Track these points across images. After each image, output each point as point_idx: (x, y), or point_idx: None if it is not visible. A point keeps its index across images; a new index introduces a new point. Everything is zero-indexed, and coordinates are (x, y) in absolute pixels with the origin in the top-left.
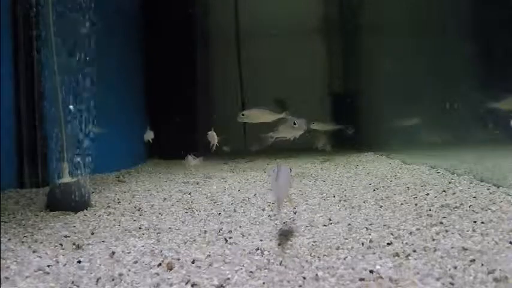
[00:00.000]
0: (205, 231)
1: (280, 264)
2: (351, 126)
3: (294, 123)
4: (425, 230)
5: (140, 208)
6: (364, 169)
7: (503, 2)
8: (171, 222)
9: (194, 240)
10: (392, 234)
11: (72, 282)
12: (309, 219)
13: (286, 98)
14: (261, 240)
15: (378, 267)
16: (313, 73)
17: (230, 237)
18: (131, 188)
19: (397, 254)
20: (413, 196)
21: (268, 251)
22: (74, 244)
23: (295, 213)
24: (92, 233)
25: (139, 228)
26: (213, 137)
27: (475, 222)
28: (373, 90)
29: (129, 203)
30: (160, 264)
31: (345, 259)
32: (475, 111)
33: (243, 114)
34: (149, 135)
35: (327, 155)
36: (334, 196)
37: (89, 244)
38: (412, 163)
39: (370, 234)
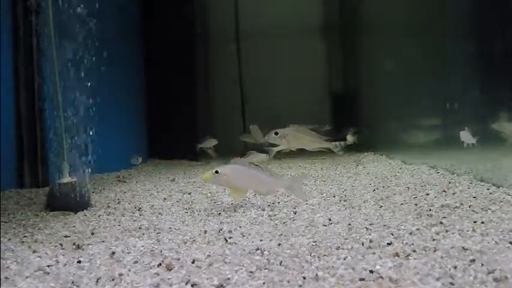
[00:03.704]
0: (205, 231)
1: (280, 264)
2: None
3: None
4: (425, 230)
5: (140, 208)
6: (364, 169)
7: (503, 2)
8: (171, 222)
9: (194, 240)
10: (392, 234)
11: (72, 282)
12: (309, 219)
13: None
14: (261, 240)
15: (378, 267)
16: (313, 73)
17: (230, 237)
18: (131, 188)
19: (397, 254)
20: (413, 196)
21: (268, 251)
22: (74, 244)
23: (295, 213)
24: (92, 233)
25: (139, 228)
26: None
27: (475, 222)
28: (374, 90)
29: (129, 203)
30: (160, 264)
31: (345, 259)
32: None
33: (276, 133)
34: (210, 143)
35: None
36: (334, 196)
37: (89, 244)
38: (412, 163)
39: (370, 234)
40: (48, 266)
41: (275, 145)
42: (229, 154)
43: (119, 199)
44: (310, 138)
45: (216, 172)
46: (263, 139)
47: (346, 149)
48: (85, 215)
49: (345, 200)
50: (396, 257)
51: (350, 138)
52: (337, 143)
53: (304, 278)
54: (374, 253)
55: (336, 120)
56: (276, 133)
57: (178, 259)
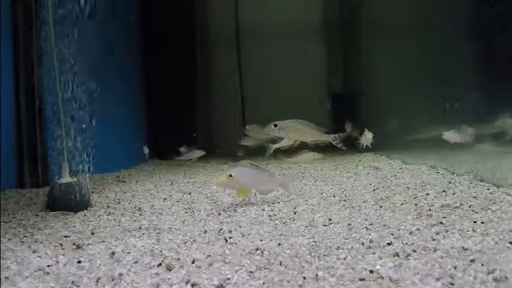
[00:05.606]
0: (205, 231)
1: (280, 264)
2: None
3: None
4: (425, 230)
5: (140, 208)
6: (364, 169)
7: (503, 1)
8: (171, 222)
9: (194, 240)
10: (392, 234)
11: (72, 282)
12: (309, 219)
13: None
14: (261, 240)
15: (378, 267)
16: (313, 73)
17: (230, 237)
18: (131, 188)
19: (397, 254)
20: (413, 196)
21: (268, 251)
22: (74, 244)
23: (295, 213)
24: (92, 233)
25: (139, 228)
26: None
27: (475, 222)
28: (373, 90)
29: (129, 203)
30: (160, 264)
31: (345, 259)
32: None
33: (275, 125)
34: (194, 154)
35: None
36: (334, 196)
37: (89, 244)
38: (412, 163)
39: (370, 234)
40: (48, 266)
41: (274, 142)
42: (230, 155)
43: (119, 199)
44: (309, 130)
45: (230, 176)
46: (264, 136)
47: (369, 146)
48: (85, 215)
49: (344, 200)
50: (396, 257)
51: (369, 136)
52: (336, 135)
53: (304, 278)
54: (374, 253)
55: (336, 120)
56: (275, 125)
57: (178, 259)
